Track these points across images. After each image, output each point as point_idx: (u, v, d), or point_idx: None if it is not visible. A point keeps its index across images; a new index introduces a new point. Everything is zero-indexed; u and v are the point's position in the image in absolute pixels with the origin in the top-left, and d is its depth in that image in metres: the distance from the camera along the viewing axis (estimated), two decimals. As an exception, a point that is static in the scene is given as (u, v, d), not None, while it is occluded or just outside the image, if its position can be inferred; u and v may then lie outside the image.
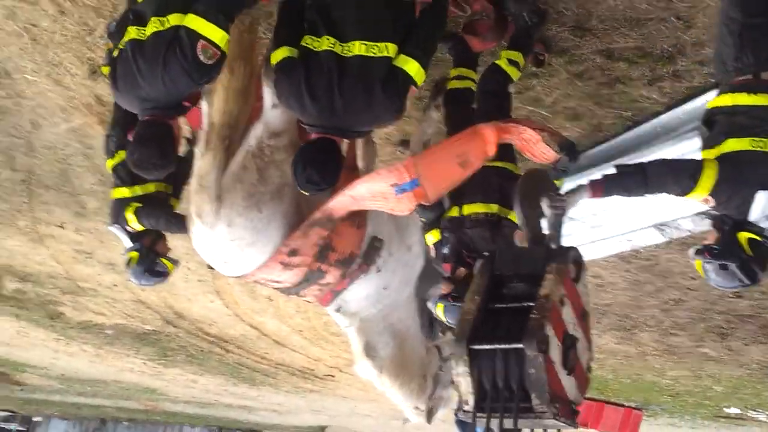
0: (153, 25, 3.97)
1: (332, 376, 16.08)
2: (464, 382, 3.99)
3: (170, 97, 4.09)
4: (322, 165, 4.21)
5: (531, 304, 3.92)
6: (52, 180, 8.27)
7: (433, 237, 5.42)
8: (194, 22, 3.86)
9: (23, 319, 13.68)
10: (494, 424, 3.92)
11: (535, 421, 3.89)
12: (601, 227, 6.97)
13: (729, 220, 4.24)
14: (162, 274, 5.54)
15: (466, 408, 4.03)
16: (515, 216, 4.46)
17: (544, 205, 4.42)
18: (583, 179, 6.15)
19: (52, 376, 20.03)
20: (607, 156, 5.96)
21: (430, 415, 6.26)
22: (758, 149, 4.12)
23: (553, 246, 4.37)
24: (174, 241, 9.08)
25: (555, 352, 3.83)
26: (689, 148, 5.44)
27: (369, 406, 19.27)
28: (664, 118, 5.51)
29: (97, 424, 29.29)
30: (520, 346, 3.79)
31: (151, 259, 5.46)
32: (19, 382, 21.24)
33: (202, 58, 3.91)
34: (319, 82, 3.99)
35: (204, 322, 13.30)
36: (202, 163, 4.65)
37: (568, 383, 3.95)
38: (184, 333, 14.02)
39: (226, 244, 4.75)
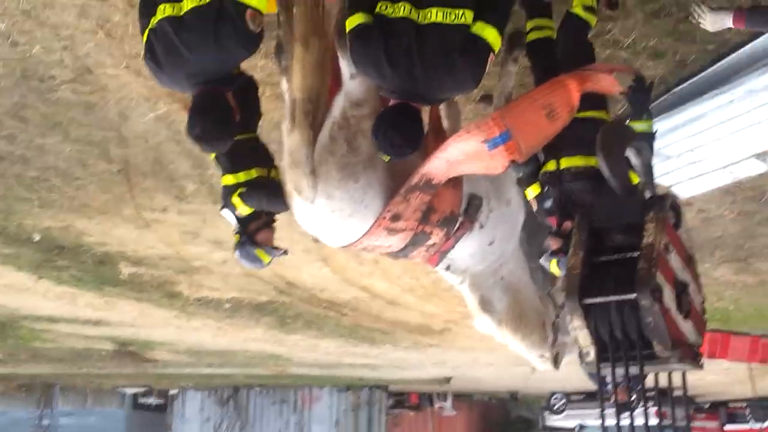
0: (190, 1, 3.94)
1: (449, 329, 16.12)
2: (582, 335, 4.00)
3: (221, 70, 4.11)
4: (403, 128, 4.20)
5: (635, 254, 3.87)
6: (148, 168, 8.46)
7: (533, 191, 5.35)
8: None
9: (144, 301, 14.14)
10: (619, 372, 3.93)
11: (660, 366, 3.88)
12: (701, 162, 6.78)
13: None
14: (258, 260, 5.60)
15: (588, 359, 4.02)
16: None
17: (631, 155, 4.33)
18: (673, 118, 5.99)
19: (180, 351, 20.68)
20: (694, 92, 5.76)
21: (556, 361, 6.29)
22: None
23: (648, 194, 4.28)
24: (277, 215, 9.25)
25: (669, 298, 3.81)
26: (778, 78, 5.22)
27: (489, 355, 19.27)
28: (750, 47, 5.28)
29: (230, 392, 30.11)
30: (634, 296, 3.76)
31: (245, 246, 5.51)
32: (150, 359, 22.00)
33: (251, 27, 3.93)
34: (398, 50, 3.96)
35: (315, 289, 13.49)
36: (291, 140, 4.70)
37: (686, 327, 3.95)
38: (298, 300, 14.25)
39: (327, 217, 4.83)
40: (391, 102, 4.29)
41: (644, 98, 4.85)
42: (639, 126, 4.90)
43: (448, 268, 5.68)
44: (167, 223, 10.18)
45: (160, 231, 10.50)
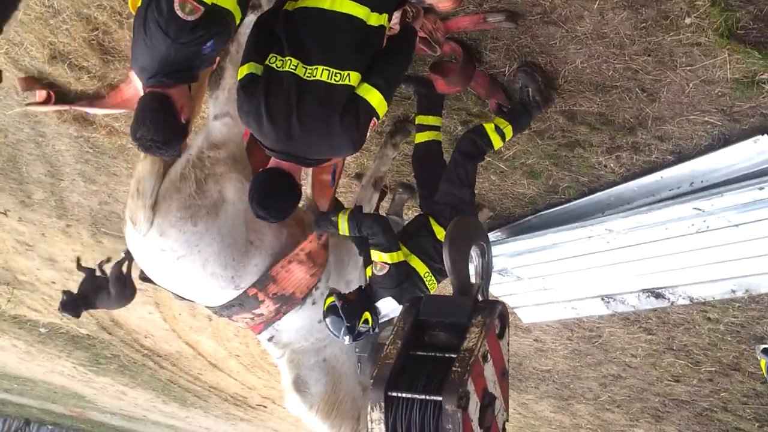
0: None
1: (265, 406, 15.83)
2: (377, 429, 3.87)
3: (158, 64, 3.74)
4: (272, 200, 4.08)
5: (453, 355, 3.82)
6: (0, 164, 8.07)
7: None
8: None
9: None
10: None
11: None
12: (548, 290, 6.91)
13: None
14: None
15: None
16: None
17: (474, 254, 4.34)
18: (532, 240, 6.13)
19: (-21, 369, 19.62)
20: (558, 219, 5.92)
21: None
22: None
23: (481, 297, 4.29)
24: (118, 245, 8.93)
25: (473, 409, 3.74)
26: (639, 223, 5.42)
27: (300, 443, 19.00)
28: (620, 188, 5.46)
29: (20, 424, 28.63)
30: (440, 399, 3.69)
31: None
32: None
33: (179, 12, 3.59)
34: (279, 104, 3.83)
35: (140, 333, 13.07)
36: (142, 167, 4.54)
37: None
38: (119, 342, 13.77)
39: (157, 254, 4.64)
40: (270, 163, 4.18)
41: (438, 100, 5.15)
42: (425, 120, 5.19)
43: (270, 338, 5.51)
44: (4, 227, 9.71)
45: (-6, 234, 10.00)
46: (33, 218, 9.21)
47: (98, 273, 9.20)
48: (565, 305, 6.99)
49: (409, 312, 4.12)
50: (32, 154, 7.70)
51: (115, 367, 15.67)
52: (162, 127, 3.83)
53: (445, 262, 4.38)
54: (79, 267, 9.31)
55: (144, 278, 5.07)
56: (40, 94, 6.19)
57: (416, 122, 5.32)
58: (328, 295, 4.81)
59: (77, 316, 9.27)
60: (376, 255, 4.80)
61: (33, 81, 6.16)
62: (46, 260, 10.52)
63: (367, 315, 4.75)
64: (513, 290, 7.05)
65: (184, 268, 4.68)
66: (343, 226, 4.89)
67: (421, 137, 5.27)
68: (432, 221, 4.97)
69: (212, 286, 4.79)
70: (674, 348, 7.21)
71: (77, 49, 5.73)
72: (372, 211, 5.82)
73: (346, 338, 4.73)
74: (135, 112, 3.87)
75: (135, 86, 5.67)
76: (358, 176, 6.33)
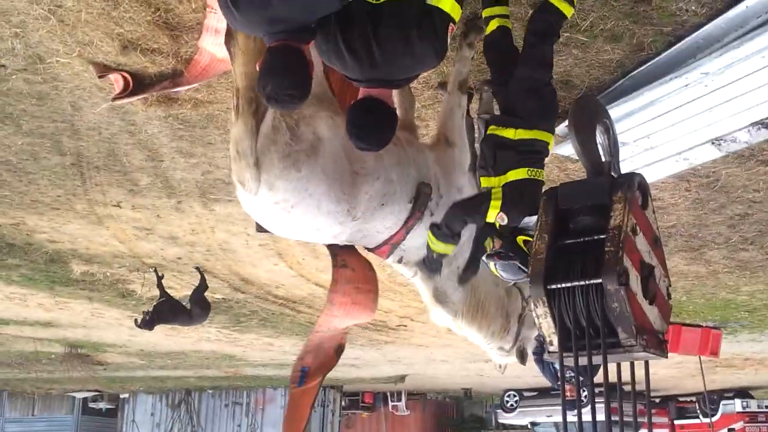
0: None
1: (404, 326, 16.11)
2: (545, 323, 3.93)
3: (307, 17, 3.72)
4: (369, 128, 4.11)
5: (602, 236, 3.82)
6: (102, 160, 8.32)
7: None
8: None
9: (95, 301, 13.95)
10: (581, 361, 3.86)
11: (624, 355, 3.82)
12: (656, 148, 6.83)
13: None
14: None
15: (551, 348, 3.97)
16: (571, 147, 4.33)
17: (599, 132, 4.30)
18: (628, 104, 6.03)
19: (132, 353, 20.45)
20: (650, 76, 5.79)
21: (522, 356, 6.23)
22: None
23: (615, 174, 4.25)
24: (230, 208, 9.19)
25: (635, 283, 3.75)
26: (734, 58, 5.27)
27: (444, 351, 19.32)
28: (706, 29, 5.30)
29: (182, 395, 29.88)
30: (600, 281, 3.70)
31: None
32: (101, 361, 21.74)
33: None
34: (355, 36, 3.84)
35: (271, 286, 13.40)
36: (235, 130, 4.64)
37: (651, 313, 3.87)
38: (253, 298, 14.15)
39: (271, 208, 4.76)
40: (360, 93, 4.21)
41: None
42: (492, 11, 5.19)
43: (400, 260, 5.62)
44: (121, 218, 10.04)
45: (114, 227, 10.35)
46: (145, 203, 9.51)
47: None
48: (677, 158, 6.88)
49: (549, 203, 4.14)
50: (128, 144, 7.93)
51: (256, 322, 16.13)
52: (300, 80, 3.85)
53: (573, 147, 4.37)
54: (160, 288, 11.72)
55: (260, 230, 5.20)
56: (116, 80, 6.34)
57: (483, 16, 5.27)
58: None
59: (151, 329, 11.77)
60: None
61: (105, 67, 6.31)
62: (167, 239, 10.87)
63: (520, 239, 4.82)
64: (621, 156, 6.96)
65: (301, 215, 4.80)
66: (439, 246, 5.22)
67: (489, 28, 5.22)
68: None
69: (331, 223, 4.90)
70: (797, 172, 7.07)
71: (145, 34, 5.84)
72: (463, 115, 5.83)
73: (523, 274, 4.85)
74: (267, 66, 3.82)
75: (209, 53, 5.76)
76: (442, 85, 6.32)
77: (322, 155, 4.74)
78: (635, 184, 3.93)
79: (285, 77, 3.80)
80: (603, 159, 4.37)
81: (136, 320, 11.80)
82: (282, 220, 4.88)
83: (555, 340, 3.93)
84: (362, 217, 5.02)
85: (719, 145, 6.56)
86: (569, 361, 3.89)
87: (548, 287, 3.88)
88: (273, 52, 3.81)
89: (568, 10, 4.82)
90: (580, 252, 3.97)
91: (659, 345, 3.93)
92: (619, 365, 4.03)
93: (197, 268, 11.70)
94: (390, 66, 3.94)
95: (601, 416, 3.92)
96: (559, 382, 4.36)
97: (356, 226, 5.07)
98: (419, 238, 5.43)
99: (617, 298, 3.67)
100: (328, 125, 4.80)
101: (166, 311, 11.64)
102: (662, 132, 6.48)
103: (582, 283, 3.80)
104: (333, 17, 3.81)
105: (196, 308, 11.77)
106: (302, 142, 4.70)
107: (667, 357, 4.02)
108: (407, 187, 5.19)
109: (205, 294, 11.83)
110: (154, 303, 11.81)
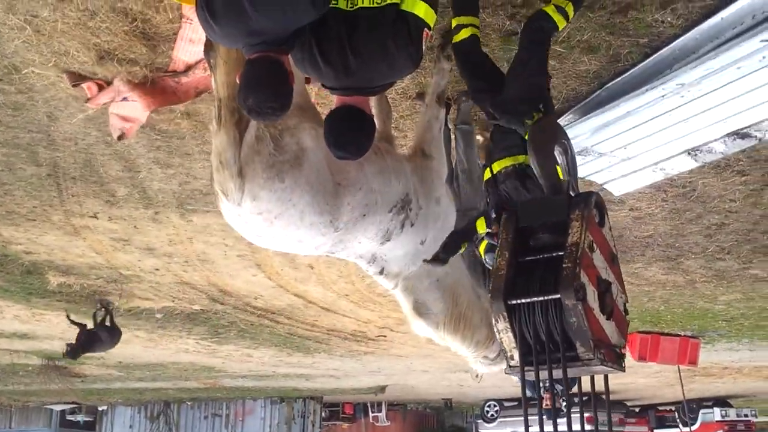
0: None
1: (384, 336, 16.13)
2: (506, 338, 3.98)
3: (285, 28, 3.68)
4: (348, 138, 4.10)
5: (561, 253, 3.89)
6: (78, 171, 8.26)
7: None
8: None
9: (72, 312, 13.84)
10: (542, 375, 3.92)
11: (583, 368, 3.88)
12: (632, 159, 6.87)
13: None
14: None
15: (512, 363, 4.02)
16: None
17: (557, 153, 4.38)
18: (605, 115, 6.06)
19: (110, 365, 20.33)
20: (627, 87, 5.83)
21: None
22: None
23: (573, 192, 4.33)
24: (208, 219, 9.16)
25: (592, 298, 3.82)
26: (709, 69, 5.31)
27: (424, 361, 19.35)
28: (682, 40, 5.35)
29: (161, 407, 29.76)
30: (558, 296, 3.77)
31: None
32: (78, 374, 21.60)
33: None
34: (330, 44, 3.83)
35: (250, 296, 13.36)
36: (218, 140, 4.61)
37: (608, 328, 3.94)
38: (232, 309, 14.11)
39: (254, 219, 4.74)
40: (335, 101, 4.20)
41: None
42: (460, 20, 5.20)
43: (381, 271, 5.64)
44: (97, 229, 9.97)
45: (90, 238, 10.29)
46: (122, 214, 9.46)
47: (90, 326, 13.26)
48: (653, 169, 6.92)
49: (509, 221, 4.20)
50: (105, 154, 7.88)
51: (235, 333, 16.10)
52: (280, 92, 3.80)
53: (533, 168, 4.45)
54: (72, 322, 13.48)
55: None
56: (89, 87, 6.31)
57: (453, 24, 5.28)
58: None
59: (76, 359, 14.24)
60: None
61: (79, 76, 6.28)
62: (144, 250, 10.81)
63: None
64: (598, 167, 7.01)
65: (284, 225, 4.79)
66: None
67: (457, 37, 5.23)
68: None
69: (314, 234, 4.90)
70: (771, 183, 7.12)
71: (122, 44, 5.80)
72: (441, 128, 5.84)
73: None
74: (247, 79, 3.77)
75: (183, 62, 5.75)
76: (419, 96, 6.33)
77: (305, 166, 4.72)
78: (592, 202, 4.02)
79: (266, 90, 3.76)
80: (561, 178, 4.45)
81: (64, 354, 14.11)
82: (264, 231, 4.87)
83: (516, 354, 4.00)
84: (344, 228, 5.01)
85: (695, 155, 6.61)
86: (530, 375, 3.96)
87: (508, 302, 3.94)
88: (253, 64, 3.77)
89: (561, 22, 4.86)
90: (540, 268, 4.04)
91: (617, 359, 4.01)
92: (592, 377, 4.12)
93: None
94: (365, 73, 3.93)
95: (575, 426, 4.00)
96: (536, 394, 4.41)
97: (338, 237, 5.06)
98: (400, 249, 5.45)
99: (575, 313, 3.74)
100: (312, 136, 4.79)
101: (86, 342, 13.50)
102: (639, 142, 6.52)
103: (541, 298, 3.86)
104: (308, 26, 3.80)
105: (105, 334, 13.47)
106: (286, 153, 4.68)
107: (624, 371, 4.08)
108: (388, 196, 5.20)
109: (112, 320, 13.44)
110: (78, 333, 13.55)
